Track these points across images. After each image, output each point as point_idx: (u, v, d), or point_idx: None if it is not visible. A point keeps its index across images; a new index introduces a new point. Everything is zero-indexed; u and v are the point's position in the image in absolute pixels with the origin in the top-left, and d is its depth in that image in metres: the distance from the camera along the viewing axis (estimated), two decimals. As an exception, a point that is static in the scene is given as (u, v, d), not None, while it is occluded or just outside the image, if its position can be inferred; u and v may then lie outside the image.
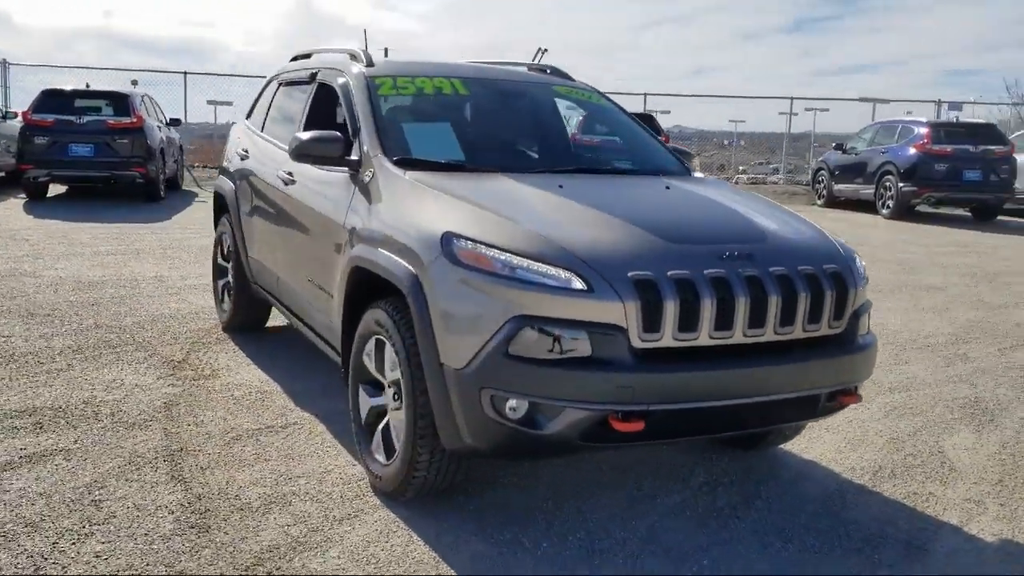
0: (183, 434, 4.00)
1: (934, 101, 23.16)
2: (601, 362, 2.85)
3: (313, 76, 4.81)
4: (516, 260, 2.96)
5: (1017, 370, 5.77)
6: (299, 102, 4.90)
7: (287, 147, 4.68)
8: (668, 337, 2.90)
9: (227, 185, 5.60)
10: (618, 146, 4.78)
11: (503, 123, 4.59)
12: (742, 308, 2.97)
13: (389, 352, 3.35)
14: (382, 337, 3.38)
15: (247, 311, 5.61)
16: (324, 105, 4.67)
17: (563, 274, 2.90)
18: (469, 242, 3.06)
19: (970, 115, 22.83)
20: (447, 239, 3.09)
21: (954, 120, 17.28)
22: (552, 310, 2.87)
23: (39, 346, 5.24)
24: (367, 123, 3.99)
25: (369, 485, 3.55)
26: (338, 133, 3.95)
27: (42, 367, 4.85)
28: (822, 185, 18.40)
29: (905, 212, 15.63)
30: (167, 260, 8.47)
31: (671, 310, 2.88)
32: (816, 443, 4.27)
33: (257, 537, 3.09)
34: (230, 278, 5.68)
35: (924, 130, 15.68)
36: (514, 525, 3.29)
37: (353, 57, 4.56)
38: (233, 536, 3.09)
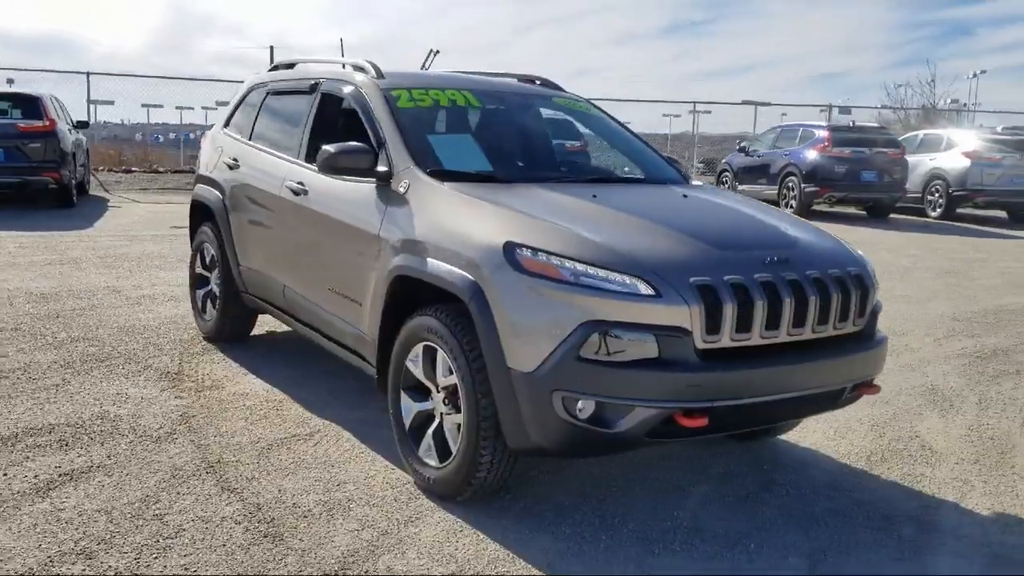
0: (213, 446, 4.01)
1: (824, 105, 24.50)
2: (669, 363, 3.06)
3: (314, 87, 4.85)
4: (582, 267, 3.13)
5: (956, 359, 6.29)
6: (298, 112, 4.93)
7: (292, 157, 4.75)
8: (726, 338, 3.13)
9: (211, 194, 5.56)
10: (621, 156, 5.01)
11: (519, 134, 4.76)
12: (787, 310, 3.24)
13: (442, 358, 3.47)
14: (432, 343, 3.50)
15: (235, 321, 5.59)
16: (329, 115, 4.73)
17: (629, 280, 3.09)
18: (531, 251, 3.22)
19: (841, 117, 24.26)
20: (510, 248, 3.24)
21: (850, 124, 18.30)
22: (621, 315, 3.06)
23: (23, 362, 5.11)
24: (393, 135, 4.09)
25: (417, 487, 3.66)
26: (366, 145, 4.04)
27: (36, 383, 4.74)
28: (726, 185, 19.15)
29: (806, 211, 16.48)
30: (111, 269, 8.25)
31: (730, 313, 3.11)
32: (808, 433, 4.59)
33: (332, 543, 3.18)
34: (214, 288, 5.64)
35: (824, 134, 16.58)
36: (568, 519, 3.47)
37: (359, 68, 4.63)
38: (309, 543, 3.16)
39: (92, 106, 21.42)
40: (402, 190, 3.87)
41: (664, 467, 4.05)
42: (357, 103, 4.41)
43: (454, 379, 3.41)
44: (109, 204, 14.43)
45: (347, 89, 4.56)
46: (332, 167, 4.01)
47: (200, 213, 5.84)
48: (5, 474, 3.59)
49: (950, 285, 9.53)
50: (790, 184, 16.68)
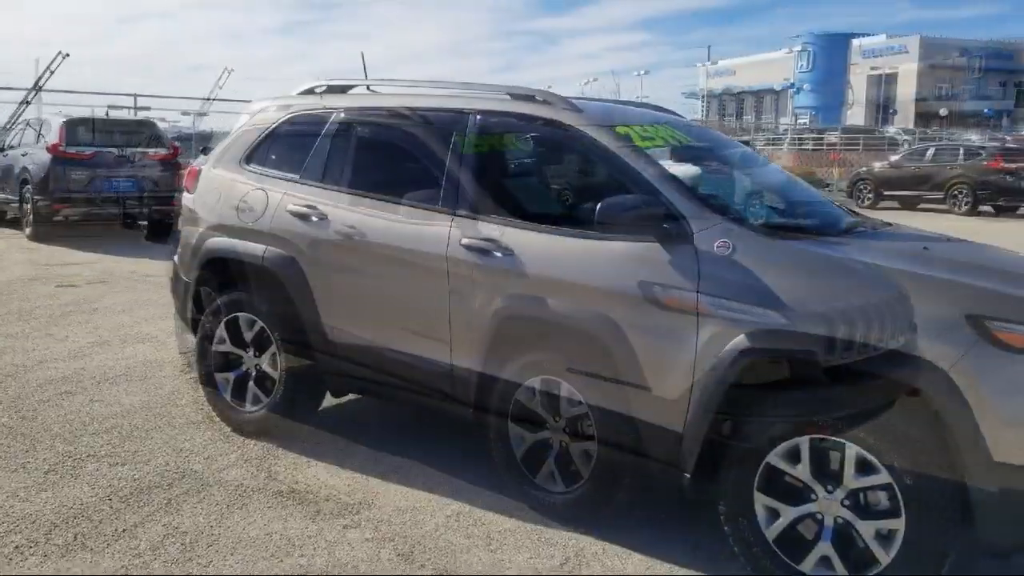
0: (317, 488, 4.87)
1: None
2: None
3: (456, 120, 4.46)
4: None
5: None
6: (430, 153, 4.56)
7: (448, 208, 4.36)
8: None
9: (271, 253, 4.91)
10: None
11: (752, 178, 4.78)
12: None
13: (850, 454, 3.37)
14: (839, 439, 3.37)
15: (303, 407, 5.23)
16: (499, 157, 4.68)
17: None
18: (1003, 323, 3.14)
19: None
20: (978, 322, 3.11)
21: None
22: None
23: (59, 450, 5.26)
24: (666, 184, 3.84)
25: (534, 511, 4.35)
26: (649, 198, 3.80)
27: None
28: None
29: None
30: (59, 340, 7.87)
31: None
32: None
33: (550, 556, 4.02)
34: (265, 368, 5.14)
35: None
36: (674, 530, 4.28)
37: (532, 99, 4.37)
38: (532, 555, 4.03)
39: None
40: (720, 250, 3.60)
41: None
42: (576, 144, 4.25)
43: (884, 478, 3.35)
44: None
45: (540, 128, 4.37)
46: (614, 224, 3.72)
47: (225, 274, 5.19)
48: (170, 522, 4.39)
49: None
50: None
